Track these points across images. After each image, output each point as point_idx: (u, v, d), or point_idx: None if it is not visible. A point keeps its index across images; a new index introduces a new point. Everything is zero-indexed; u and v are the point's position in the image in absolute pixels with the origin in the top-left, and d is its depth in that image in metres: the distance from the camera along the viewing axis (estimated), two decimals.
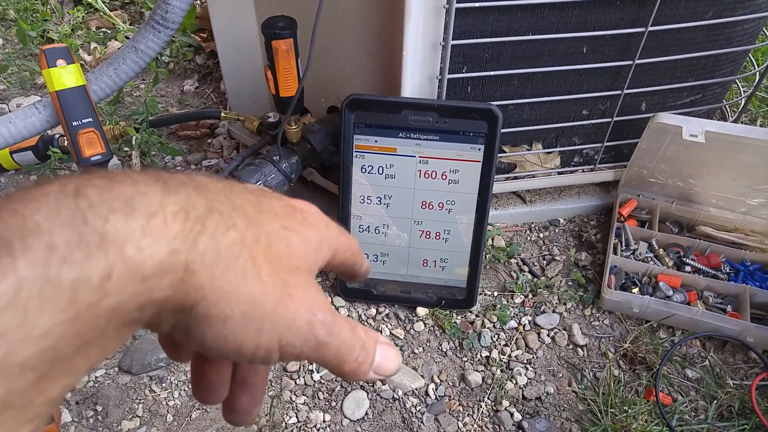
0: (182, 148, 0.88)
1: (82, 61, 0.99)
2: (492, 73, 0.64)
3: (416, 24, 0.57)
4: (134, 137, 0.75)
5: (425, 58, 0.61)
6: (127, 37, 1.04)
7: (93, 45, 1.01)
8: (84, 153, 0.61)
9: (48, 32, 1.03)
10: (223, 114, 0.77)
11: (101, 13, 1.09)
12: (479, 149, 0.63)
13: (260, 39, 0.76)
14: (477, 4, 0.57)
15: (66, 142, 0.68)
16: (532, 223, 0.79)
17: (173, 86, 1.00)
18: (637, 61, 0.65)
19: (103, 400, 0.61)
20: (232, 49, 0.77)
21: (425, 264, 0.69)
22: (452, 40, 0.58)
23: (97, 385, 0.62)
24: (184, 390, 0.62)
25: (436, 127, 0.63)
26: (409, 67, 0.60)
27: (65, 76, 0.58)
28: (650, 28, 0.62)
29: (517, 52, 0.63)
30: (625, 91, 0.68)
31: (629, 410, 0.60)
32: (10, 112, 0.94)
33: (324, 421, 0.61)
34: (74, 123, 0.60)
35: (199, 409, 0.61)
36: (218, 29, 0.75)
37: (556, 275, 0.74)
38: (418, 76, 0.62)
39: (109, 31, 1.07)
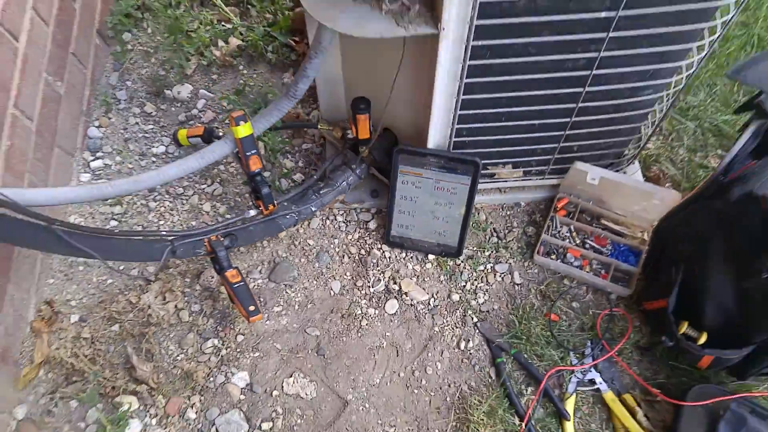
0: (288, 135, 1.40)
1: (214, 57, 1.47)
2: (480, 138, 1.13)
3: (439, 103, 1.06)
4: (264, 144, 1.28)
5: (443, 123, 1.10)
6: (240, 33, 1.50)
7: (220, 43, 1.48)
8: (251, 168, 1.14)
9: (186, 27, 1.49)
10: (319, 126, 1.28)
11: (219, 9, 1.53)
12: (469, 178, 1.15)
13: (344, 86, 1.23)
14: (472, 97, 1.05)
15: (240, 157, 1.18)
16: (504, 205, 1.32)
17: (276, 77, 1.49)
18: (567, 132, 1.13)
19: (263, 295, 1.22)
20: (326, 82, 1.25)
21: (434, 232, 1.24)
22: (457, 123, 1.08)
23: (258, 288, 1.23)
24: (304, 293, 1.22)
25: (445, 165, 1.14)
26: (433, 128, 1.10)
27: (244, 130, 1.10)
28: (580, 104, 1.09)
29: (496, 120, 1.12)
30: (561, 145, 1.16)
31: (533, 322, 1.19)
32: (173, 96, 1.45)
33: (375, 313, 1.21)
34: (247, 153, 1.13)
35: (311, 303, 1.21)
36: (322, 71, 1.23)
37: (512, 240, 1.28)
38: (439, 134, 1.11)
39: (228, 25, 1.52)
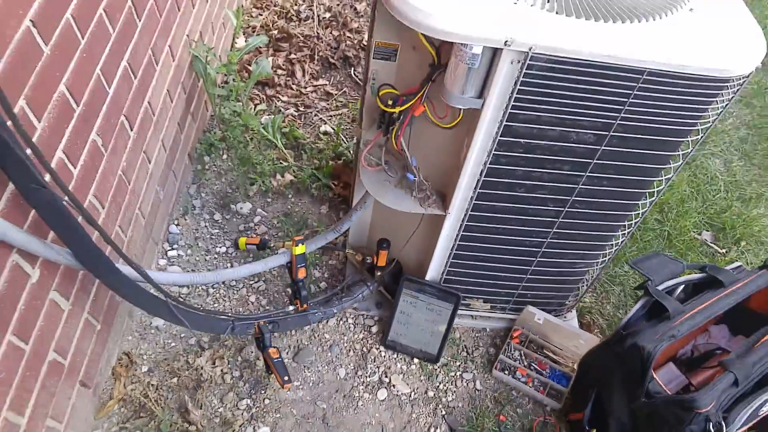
0: (319, 252, 1.87)
1: (271, 185, 1.96)
2: (463, 278, 1.61)
3: (439, 253, 1.54)
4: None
5: (439, 264, 1.57)
6: (293, 170, 2.01)
7: (277, 176, 1.98)
8: (298, 276, 1.59)
9: (253, 160, 1.99)
10: (346, 250, 1.76)
11: (280, 150, 2.05)
12: (451, 305, 1.61)
13: (370, 227, 1.72)
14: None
15: (290, 268, 1.64)
16: (474, 328, 1.78)
17: (316, 207, 1.98)
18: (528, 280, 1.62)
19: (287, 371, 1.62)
20: (357, 223, 1.74)
21: (421, 342, 1.68)
22: (449, 267, 1.56)
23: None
24: (317, 374, 1.63)
25: (435, 293, 1.61)
26: (432, 266, 1.57)
27: (300, 249, 1.56)
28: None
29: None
30: (519, 291, 1.65)
31: (486, 419, 1.60)
32: (236, 210, 1.92)
33: (369, 397, 1.61)
34: (298, 265, 1.58)
35: (322, 383, 1.62)
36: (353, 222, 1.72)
37: (477, 356, 1.72)
38: (435, 271, 1.59)
39: (284, 163, 2.03)
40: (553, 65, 1.08)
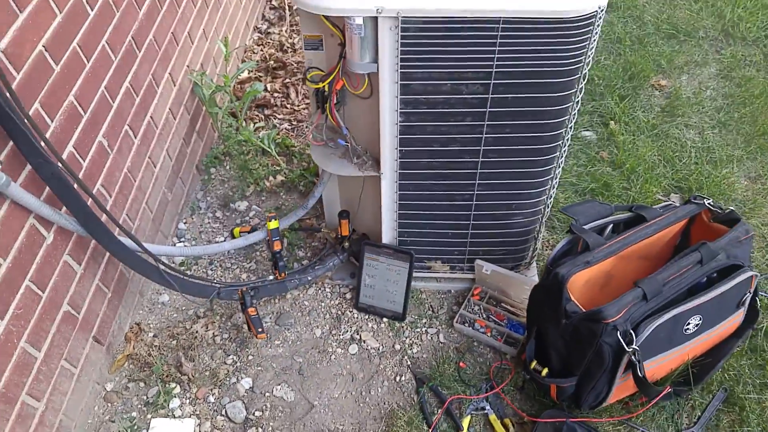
0: (304, 236, 2.15)
1: (265, 186, 2.29)
2: (415, 238, 1.83)
3: (386, 214, 1.78)
4: (286, 240, 2.03)
5: (389, 226, 1.81)
6: (284, 173, 2.33)
7: (270, 178, 2.31)
8: (274, 248, 1.87)
9: (250, 166, 2.34)
10: (323, 229, 2.03)
11: (273, 156, 2.39)
12: (407, 264, 1.83)
13: (341, 206, 2.00)
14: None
15: (268, 242, 1.94)
16: (439, 290, 1.97)
17: (303, 201, 2.28)
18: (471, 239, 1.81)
19: (270, 332, 1.88)
20: (329, 204, 2.01)
21: (387, 301, 1.89)
22: (398, 228, 1.79)
23: (268, 327, 1.89)
24: (296, 334, 1.88)
25: (392, 254, 1.84)
26: (384, 229, 1.81)
27: (273, 224, 1.85)
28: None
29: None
30: (469, 248, 1.84)
31: (447, 367, 1.77)
32: (235, 208, 2.26)
33: (341, 352, 1.84)
34: (273, 238, 1.86)
35: (300, 341, 1.86)
36: (325, 195, 2.00)
37: (442, 314, 1.91)
38: (389, 234, 1.83)
39: (277, 167, 2.36)
40: (424, 25, 1.35)
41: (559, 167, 1.68)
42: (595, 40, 1.41)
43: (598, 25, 1.38)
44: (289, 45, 2.81)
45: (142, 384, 1.76)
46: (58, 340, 1.57)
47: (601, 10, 1.34)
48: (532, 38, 1.36)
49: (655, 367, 1.55)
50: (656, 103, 2.57)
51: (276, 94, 2.62)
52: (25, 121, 1.29)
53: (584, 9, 1.31)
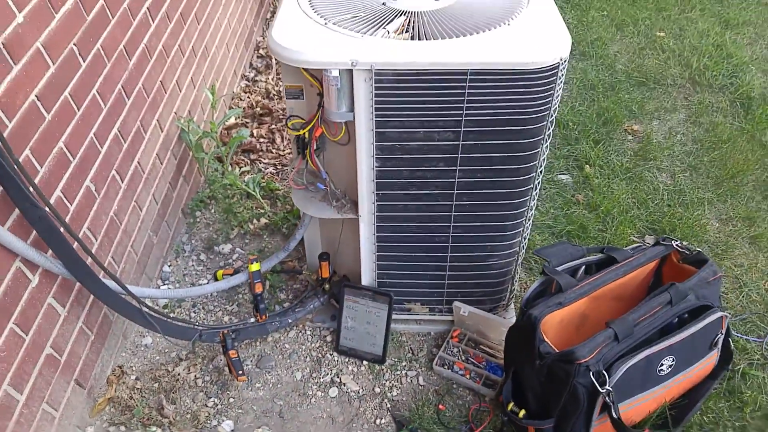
0: (286, 278, 2.19)
1: (249, 228, 2.34)
2: (394, 280, 1.88)
3: (364, 256, 1.83)
4: (268, 283, 2.07)
5: (369, 267, 1.86)
6: (268, 216, 2.38)
7: (254, 220, 2.36)
8: (255, 290, 1.91)
9: (235, 210, 2.39)
10: (304, 272, 2.07)
11: (257, 200, 2.45)
12: (386, 306, 1.87)
13: (322, 249, 2.04)
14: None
15: (250, 284, 1.98)
16: (419, 332, 2.00)
17: (285, 243, 2.33)
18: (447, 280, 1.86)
19: (250, 375, 1.90)
20: (311, 245, 2.06)
21: (367, 344, 1.92)
22: (377, 270, 1.84)
23: (248, 370, 1.91)
24: (276, 377, 1.90)
25: (371, 296, 1.88)
26: (364, 271, 1.86)
27: (255, 267, 1.89)
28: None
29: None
30: (447, 290, 1.89)
31: (426, 409, 1.79)
32: (219, 251, 2.30)
33: (321, 395, 1.85)
34: (255, 281, 1.90)
35: (280, 384, 1.88)
36: (307, 238, 2.05)
37: (422, 356, 1.94)
38: (368, 276, 1.87)
39: (261, 210, 2.42)
40: (396, 76, 1.43)
41: (532, 209, 1.75)
42: (560, 89, 1.50)
43: (562, 75, 1.47)
44: (275, 92, 2.91)
45: (122, 428, 1.76)
46: (40, 383, 1.58)
47: (563, 62, 1.43)
48: (499, 88, 1.44)
49: (632, 410, 1.58)
50: (629, 147, 2.67)
51: (262, 140, 2.70)
52: (15, 167, 1.34)
53: (546, 61, 1.40)
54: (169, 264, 2.25)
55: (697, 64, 3.09)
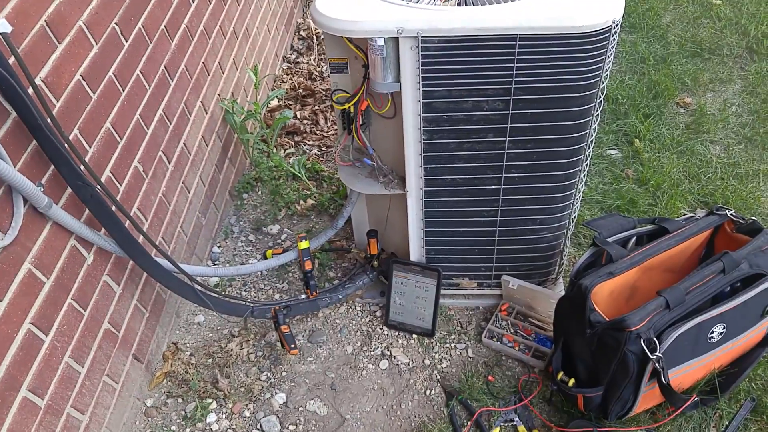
0: (335, 256, 2.24)
1: (296, 210, 2.40)
2: (442, 255, 1.91)
3: (413, 231, 1.86)
4: (317, 261, 2.13)
5: (417, 244, 1.89)
6: (314, 197, 2.44)
7: (301, 201, 2.42)
8: (305, 268, 1.97)
9: (281, 191, 2.46)
10: (353, 250, 2.12)
11: (304, 181, 2.50)
12: (435, 281, 1.91)
13: (369, 227, 2.09)
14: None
15: (300, 262, 2.04)
16: (468, 307, 2.03)
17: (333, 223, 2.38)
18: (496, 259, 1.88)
19: (303, 349, 1.96)
20: (358, 224, 2.11)
21: (416, 318, 1.96)
22: (425, 245, 1.87)
23: (300, 345, 1.98)
24: (328, 351, 1.96)
25: (420, 272, 1.92)
26: (412, 247, 1.89)
27: (304, 245, 1.95)
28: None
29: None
30: (495, 265, 1.91)
31: (476, 380, 1.82)
32: (267, 231, 2.37)
33: (372, 368, 1.90)
34: (304, 258, 1.96)
35: (332, 357, 1.94)
36: (354, 216, 2.10)
37: (470, 329, 1.97)
38: (416, 252, 1.91)
39: (307, 191, 2.47)
40: (443, 44, 1.45)
41: (582, 182, 1.75)
42: (611, 54, 1.49)
43: (614, 39, 1.46)
44: (317, 73, 2.96)
45: (180, 400, 1.85)
46: (100, 357, 1.67)
47: (616, 24, 1.43)
48: (548, 53, 1.45)
49: (681, 376, 1.59)
50: (681, 121, 2.62)
51: (305, 121, 2.76)
52: (66, 145, 1.41)
53: (598, 23, 1.40)
54: (218, 245, 2.34)
55: (755, 32, 3.00)
